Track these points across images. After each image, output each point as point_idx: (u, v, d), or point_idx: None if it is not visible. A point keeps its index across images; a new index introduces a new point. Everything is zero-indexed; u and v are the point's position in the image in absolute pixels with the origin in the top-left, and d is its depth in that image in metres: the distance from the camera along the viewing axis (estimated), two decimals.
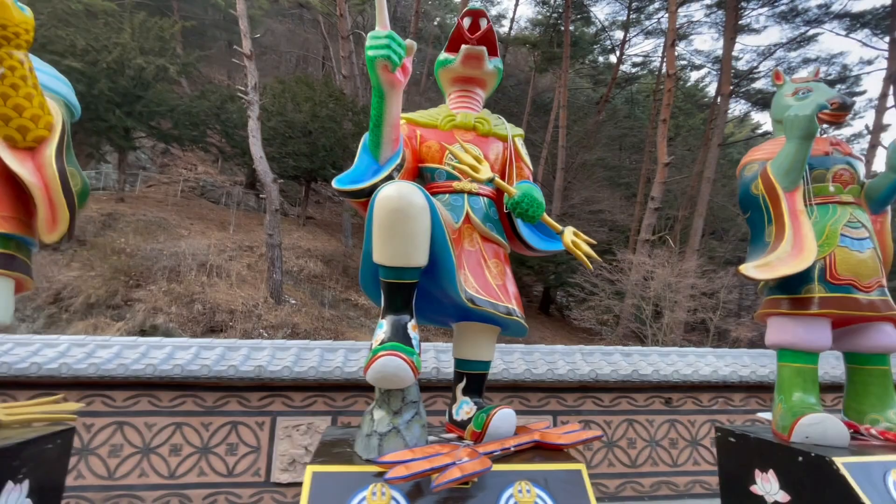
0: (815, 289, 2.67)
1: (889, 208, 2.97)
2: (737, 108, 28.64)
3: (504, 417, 2.18)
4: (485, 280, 2.33)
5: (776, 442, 2.59)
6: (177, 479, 4.86)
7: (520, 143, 2.81)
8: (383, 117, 2.13)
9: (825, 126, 2.98)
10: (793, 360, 2.74)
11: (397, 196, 1.80)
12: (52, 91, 2.31)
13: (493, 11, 34.32)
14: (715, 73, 27.18)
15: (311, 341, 5.76)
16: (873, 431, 2.61)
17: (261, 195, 16.28)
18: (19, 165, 2.07)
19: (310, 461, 1.84)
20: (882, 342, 2.71)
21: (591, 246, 2.37)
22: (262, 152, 13.73)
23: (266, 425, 5.11)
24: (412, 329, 1.91)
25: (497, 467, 1.83)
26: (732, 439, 2.89)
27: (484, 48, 2.52)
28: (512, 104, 29.26)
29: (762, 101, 25.22)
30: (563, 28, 24.75)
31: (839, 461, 2.16)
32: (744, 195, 2.97)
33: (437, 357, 5.57)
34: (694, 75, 35.33)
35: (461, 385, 2.47)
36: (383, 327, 1.89)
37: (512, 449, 2.10)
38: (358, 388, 5.22)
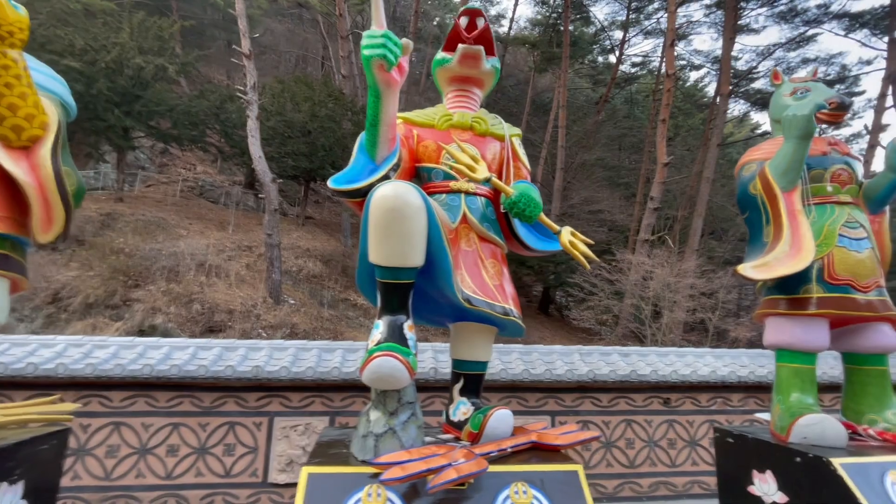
0: (814, 289, 2.67)
1: (887, 208, 2.96)
2: (736, 108, 28.75)
3: (501, 418, 2.17)
4: (482, 280, 2.32)
5: (774, 442, 2.58)
6: (174, 479, 4.85)
7: (517, 142, 2.80)
8: (379, 117, 2.12)
9: (823, 126, 2.98)
10: (791, 361, 2.73)
11: (393, 195, 1.79)
12: (47, 90, 2.29)
13: (493, 11, 34.37)
14: (714, 73, 27.21)
15: (309, 341, 5.75)
16: (871, 432, 2.61)
17: (260, 195, 16.25)
18: (14, 165, 2.06)
19: (306, 462, 1.83)
20: (880, 342, 2.71)
21: (590, 246, 2.36)
22: (261, 152, 13.72)
23: (263, 426, 5.10)
24: (409, 329, 1.90)
25: (493, 468, 1.82)
26: (731, 440, 2.89)
27: (481, 47, 2.51)
28: (511, 104, 29.27)
29: (761, 101, 25.27)
30: (562, 28, 24.74)
31: (837, 462, 2.16)
32: (742, 195, 2.97)
33: (436, 357, 5.57)
34: (693, 75, 35.49)
35: (458, 385, 2.47)
36: (379, 328, 1.88)
37: (509, 450, 2.09)
38: (356, 388, 5.20)
